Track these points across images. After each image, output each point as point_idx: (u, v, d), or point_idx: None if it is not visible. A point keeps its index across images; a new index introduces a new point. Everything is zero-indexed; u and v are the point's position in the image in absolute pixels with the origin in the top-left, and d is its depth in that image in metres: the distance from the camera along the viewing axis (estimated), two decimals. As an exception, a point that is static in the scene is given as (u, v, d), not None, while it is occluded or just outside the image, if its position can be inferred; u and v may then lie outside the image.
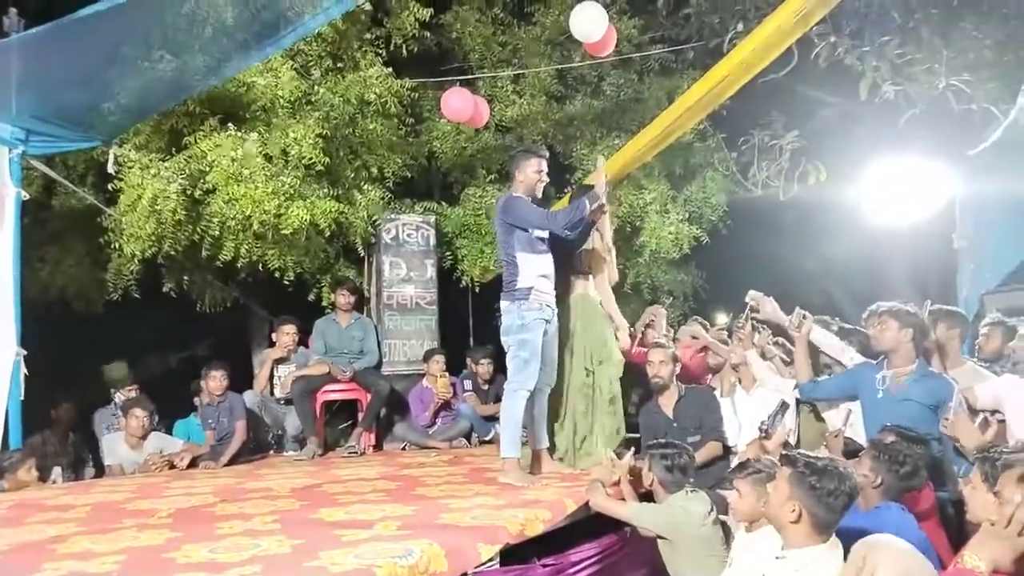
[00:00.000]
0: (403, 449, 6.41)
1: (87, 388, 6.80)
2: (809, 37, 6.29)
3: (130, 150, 5.98)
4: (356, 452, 6.07)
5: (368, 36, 6.99)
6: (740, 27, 7.14)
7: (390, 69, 6.84)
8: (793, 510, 2.43)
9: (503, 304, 4.41)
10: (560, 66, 7.99)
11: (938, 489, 3.44)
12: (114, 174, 5.86)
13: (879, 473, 3.04)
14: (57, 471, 5.37)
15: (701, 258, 8.39)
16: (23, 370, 5.17)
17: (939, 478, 3.55)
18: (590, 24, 5.58)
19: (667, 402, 4.62)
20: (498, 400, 6.60)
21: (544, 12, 7.99)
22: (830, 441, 3.89)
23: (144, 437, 5.60)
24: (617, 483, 3.83)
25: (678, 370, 4.69)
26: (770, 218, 8.95)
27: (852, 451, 3.58)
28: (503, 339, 4.40)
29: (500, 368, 6.58)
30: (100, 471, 5.83)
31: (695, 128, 7.39)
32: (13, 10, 5.29)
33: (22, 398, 5.14)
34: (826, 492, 2.40)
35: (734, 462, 4.27)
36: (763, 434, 3.87)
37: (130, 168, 5.87)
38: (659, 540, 3.47)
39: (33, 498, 4.32)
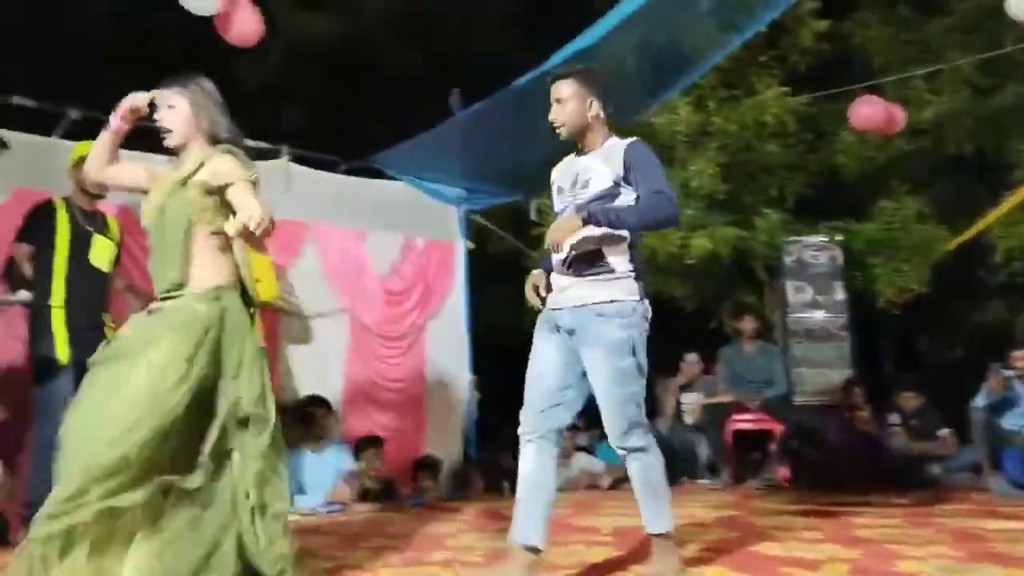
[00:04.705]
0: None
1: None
2: None
3: (546, 198, 6.68)
4: (772, 484, 5.90)
5: (762, 58, 6.89)
6: None
7: (787, 88, 6.65)
8: None
9: (598, 297, 2.72)
10: (984, 55, 6.99)
11: None
12: (536, 221, 6.59)
13: None
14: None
15: None
16: (475, 392, 6.05)
17: None
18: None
19: None
20: (927, 435, 5.95)
21: (959, -1, 7.13)
22: None
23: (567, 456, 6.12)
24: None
25: None
26: None
27: None
28: (617, 364, 2.66)
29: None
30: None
31: None
32: (456, 90, 6.19)
33: (476, 416, 6.01)
34: None
35: None
36: None
37: (548, 216, 6.55)
38: None
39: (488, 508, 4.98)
